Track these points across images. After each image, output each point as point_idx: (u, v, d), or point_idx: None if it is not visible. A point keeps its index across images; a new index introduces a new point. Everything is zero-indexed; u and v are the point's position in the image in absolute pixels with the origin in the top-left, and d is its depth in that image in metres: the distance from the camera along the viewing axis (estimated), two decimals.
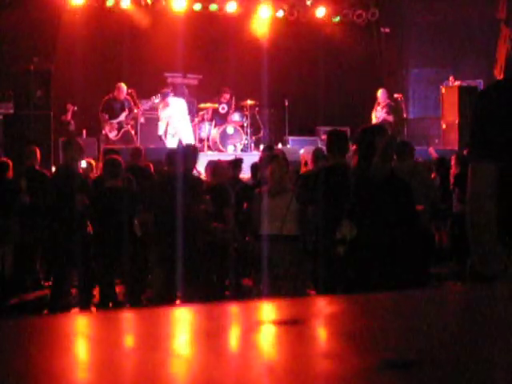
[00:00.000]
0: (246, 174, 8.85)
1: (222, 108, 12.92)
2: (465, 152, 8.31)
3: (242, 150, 12.28)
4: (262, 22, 14.10)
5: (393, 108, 12.53)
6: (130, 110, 11.61)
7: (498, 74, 11.59)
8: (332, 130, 6.66)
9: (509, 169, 2.37)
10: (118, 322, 1.08)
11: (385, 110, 12.36)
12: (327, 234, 4.99)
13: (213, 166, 7.54)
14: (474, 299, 1.22)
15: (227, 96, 12.93)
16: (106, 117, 11.45)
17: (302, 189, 5.71)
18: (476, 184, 2.41)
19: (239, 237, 6.78)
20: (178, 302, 6.46)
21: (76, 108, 12.42)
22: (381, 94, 12.51)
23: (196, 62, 13.42)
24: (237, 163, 8.04)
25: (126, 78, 12.09)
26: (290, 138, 12.99)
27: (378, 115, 12.36)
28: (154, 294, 6.31)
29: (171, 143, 11.48)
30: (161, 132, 12.06)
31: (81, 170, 8.63)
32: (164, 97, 12.06)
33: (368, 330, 0.97)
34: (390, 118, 12.27)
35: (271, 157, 6.79)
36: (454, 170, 8.58)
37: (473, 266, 2.53)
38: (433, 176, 8.56)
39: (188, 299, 6.19)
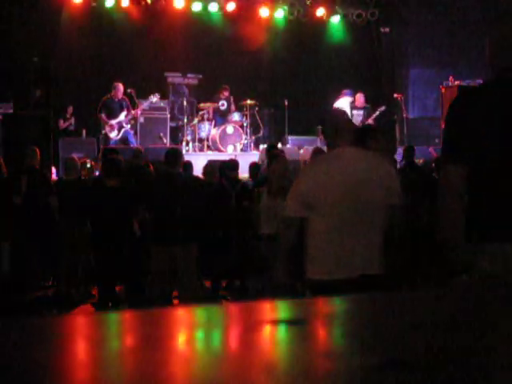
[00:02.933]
0: (243, 173, 8.82)
1: (222, 105, 12.94)
2: None
3: (241, 150, 12.28)
4: (262, 21, 14.10)
5: (369, 111, 12.66)
6: (129, 110, 11.59)
7: None
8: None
9: (476, 171, 2.51)
10: (118, 322, 1.08)
11: (362, 113, 12.50)
12: None
13: (204, 166, 7.65)
14: (473, 299, 1.22)
15: (226, 93, 12.95)
16: (104, 117, 11.44)
17: None
18: (445, 184, 2.58)
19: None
20: (176, 301, 6.47)
21: (72, 111, 12.40)
22: (359, 97, 12.63)
23: (196, 61, 13.43)
24: (234, 164, 8.05)
25: (126, 77, 12.09)
26: (290, 138, 12.99)
27: (358, 119, 12.45)
28: (152, 294, 6.31)
29: None
30: None
31: (85, 171, 8.65)
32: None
33: (368, 330, 0.97)
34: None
35: (272, 156, 6.81)
36: None
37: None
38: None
39: (185, 298, 6.19)
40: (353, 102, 12.71)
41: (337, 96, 12.68)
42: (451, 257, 2.60)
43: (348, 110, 12.25)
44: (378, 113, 12.39)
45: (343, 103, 12.38)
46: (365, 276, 3.47)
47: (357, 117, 12.49)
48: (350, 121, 3.87)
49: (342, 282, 3.43)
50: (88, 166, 8.95)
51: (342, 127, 3.69)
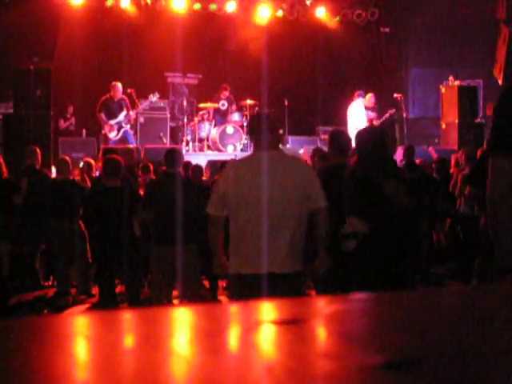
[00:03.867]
0: None
1: (222, 104, 12.94)
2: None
3: (241, 150, 12.28)
4: (262, 21, 14.10)
5: (377, 111, 12.64)
6: (128, 110, 11.58)
7: (498, 74, 11.59)
8: (334, 130, 6.72)
9: None
10: (118, 322, 1.08)
11: (373, 114, 12.47)
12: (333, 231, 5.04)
13: (191, 167, 7.64)
14: (474, 299, 1.22)
15: (226, 93, 12.94)
16: (104, 117, 11.42)
17: None
18: (496, 177, 2.48)
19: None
20: (176, 301, 6.47)
21: (72, 111, 12.44)
22: (370, 98, 12.60)
23: (196, 61, 13.43)
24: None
25: (126, 77, 12.09)
26: (290, 138, 12.99)
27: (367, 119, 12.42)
28: (152, 294, 6.31)
29: None
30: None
31: (77, 170, 8.66)
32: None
33: (368, 330, 0.97)
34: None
35: None
36: (454, 170, 8.56)
37: (495, 260, 2.60)
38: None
39: (186, 298, 6.19)
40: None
41: (351, 98, 12.62)
42: (500, 254, 2.55)
43: (363, 111, 12.22)
44: (387, 115, 12.37)
45: (359, 104, 12.29)
46: (274, 274, 3.70)
47: (367, 117, 12.46)
48: (272, 125, 4.03)
49: (251, 276, 3.72)
50: (81, 165, 8.95)
51: (262, 131, 3.90)
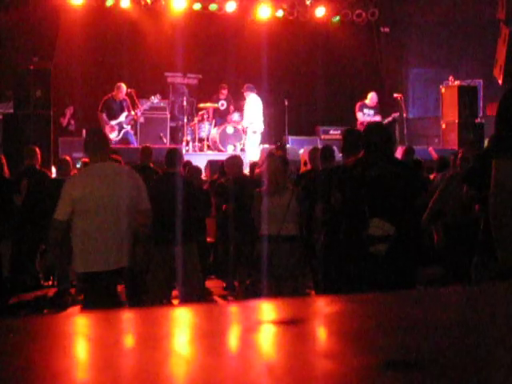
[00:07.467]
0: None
1: (222, 104, 12.95)
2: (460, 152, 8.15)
3: (241, 150, 12.28)
4: (262, 21, 14.10)
5: (378, 111, 12.61)
6: (129, 110, 11.56)
7: (498, 74, 11.58)
8: (347, 129, 6.57)
9: None
10: (118, 322, 1.08)
11: (373, 112, 12.44)
12: (340, 232, 4.99)
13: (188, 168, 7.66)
14: (473, 299, 1.22)
15: (225, 92, 12.95)
16: (105, 118, 11.41)
17: (308, 188, 5.68)
18: (499, 178, 2.49)
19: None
20: (176, 301, 6.47)
21: (73, 111, 12.44)
22: (372, 97, 12.57)
23: (196, 61, 13.43)
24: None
25: (126, 77, 12.09)
26: (290, 138, 12.98)
27: (367, 118, 12.41)
28: (151, 294, 6.30)
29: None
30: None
31: (75, 170, 8.66)
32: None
33: (368, 330, 0.97)
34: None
35: (267, 155, 6.80)
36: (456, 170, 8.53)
37: (497, 261, 2.61)
38: (432, 176, 8.52)
39: (185, 298, 6.19)
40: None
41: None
42: (503, 256, 2.55)
43: (259, 106, 12.22)
44: (391, 118, 12.35)
45: (254, 99, 12.28)
46: (118, 269, 4.43)
47: (367, 116, 12.44)
48: (105, 139, 4.80)
49: (101, 273, 4.35)
50: (78, 165, 8.96)
51: (99, 144, 4.59)
